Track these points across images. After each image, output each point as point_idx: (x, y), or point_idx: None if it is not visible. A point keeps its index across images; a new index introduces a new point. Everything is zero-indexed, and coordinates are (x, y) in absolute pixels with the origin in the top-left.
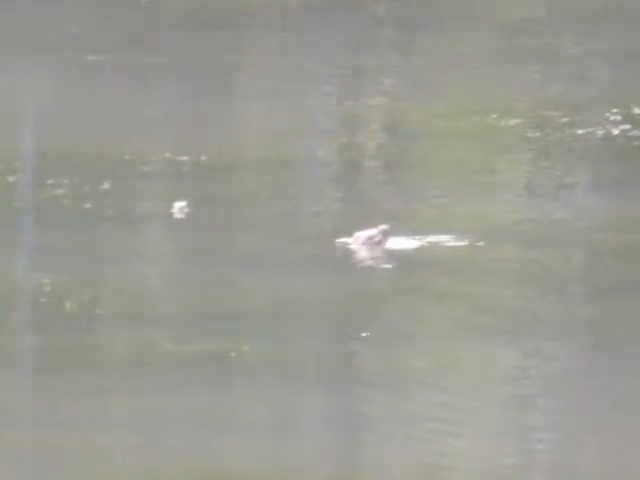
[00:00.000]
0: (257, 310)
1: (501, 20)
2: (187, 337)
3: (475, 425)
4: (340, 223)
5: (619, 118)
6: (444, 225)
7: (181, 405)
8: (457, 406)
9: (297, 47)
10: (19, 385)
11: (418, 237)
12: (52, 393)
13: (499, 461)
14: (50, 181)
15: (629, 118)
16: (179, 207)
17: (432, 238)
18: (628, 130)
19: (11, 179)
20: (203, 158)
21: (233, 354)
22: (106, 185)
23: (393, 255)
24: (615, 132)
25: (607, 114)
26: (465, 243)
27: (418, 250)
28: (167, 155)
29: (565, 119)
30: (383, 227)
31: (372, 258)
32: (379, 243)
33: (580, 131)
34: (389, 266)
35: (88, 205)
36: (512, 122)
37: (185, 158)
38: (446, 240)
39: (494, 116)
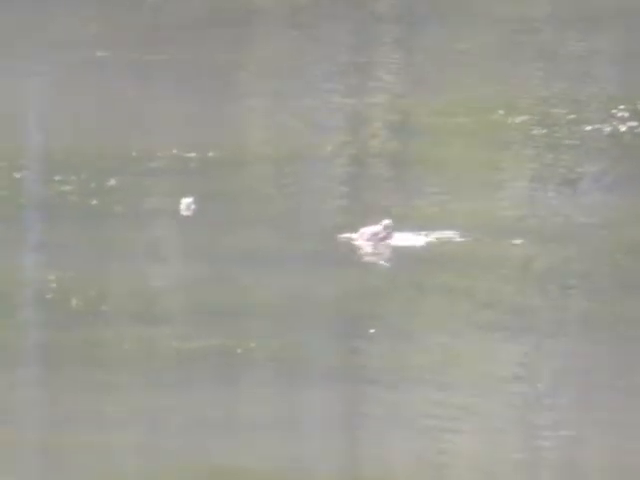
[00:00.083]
0: (264, 307)
1: (502, 17)
2: (194, 334)
3: (475, 422)
4: (344, 219)
5: (626, 115)
6: (447, 221)
7: (187, 402)
8: (457, 403)
9: (299, 44)
10: (23, 381)
11: (422, 233)
12: (57, 389)
13: (499, 457)
14: (57, 178)
15: (636, 115)
16: (186, 204)
17: (435, 234)
18: (635, 127)
19: (18, 176)
20: (210, 155)
21: (240, 350)
22: (113, 182)
23: (398, 251)
24: (622, 129)
25: (614, 111)
26: (468, 239)
27: (422, 246)
28: (174, 152)
29: (571, 116)
30: (387, 222)
31: (377, 254)
32: (384, 239)
33: (587, 128)
34: (394, 262)
35: (95, 202)
36: (517, 119)
37: (192, 155)
38: (449, 236)
39: (500, 113)
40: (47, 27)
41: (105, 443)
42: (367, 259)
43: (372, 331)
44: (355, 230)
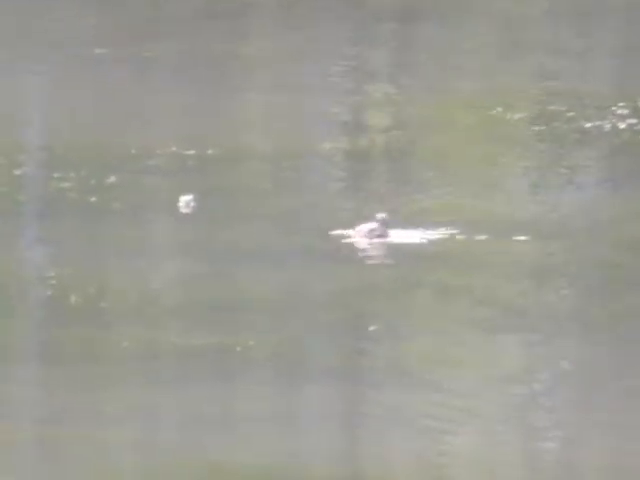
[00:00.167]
0: (262, 303)
1: (503, 14)
2: (194, 331)
3: (475, 422)
4: (341, 216)
5: (626, 112)
6: (447, 218)
7: (186, 399)
8: (457, 403)
9: (300, 41)
10: (23, 377)
11: (421, 230)
12: (55, 385)
13: (499, 458)
14: (56, 174)
15: (636, 112)
16: (185, 201)
17: (435, 231)
18: (635, 124)
19: (17, 172)
20: (209, 152)
21: (239, 348)
22: (112, 179)
23: (395, 248)
24: (622, 126)
25: (614, 108)
26: (466, 236)
27: (420, 243)
28: (173, 149)
29: (571, 113)
30: (381, 215)
31: (374, 250)
32: (380, 236)
33: (587, 125)
34: (391, 259)
35: (94, 199)
36: (516, 116)
37: (191, 152)
38: (449, 233)
39: (499, 109)
40: (51, 23)
41: (103, 439)
42: (364, 255)
43: (372, 328)
44: (352, 227)
